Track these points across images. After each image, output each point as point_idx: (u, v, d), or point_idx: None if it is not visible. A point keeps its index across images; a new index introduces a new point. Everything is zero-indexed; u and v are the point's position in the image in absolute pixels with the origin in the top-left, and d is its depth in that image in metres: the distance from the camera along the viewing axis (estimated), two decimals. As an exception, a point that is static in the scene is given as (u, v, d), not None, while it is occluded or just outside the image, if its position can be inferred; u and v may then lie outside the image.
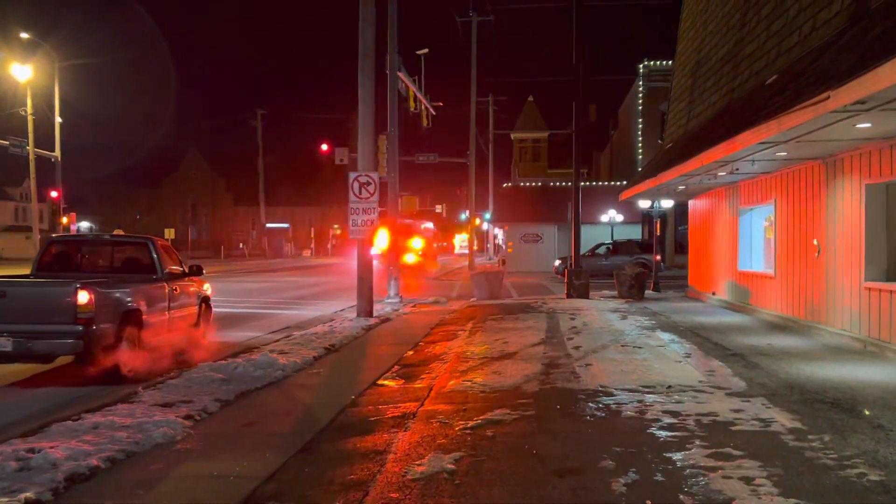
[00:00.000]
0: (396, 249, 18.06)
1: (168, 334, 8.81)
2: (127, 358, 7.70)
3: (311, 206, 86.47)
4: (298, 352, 9.11)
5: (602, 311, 13.95)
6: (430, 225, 50.43)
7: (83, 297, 7.12)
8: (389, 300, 16.91)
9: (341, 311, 15.54)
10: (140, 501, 4.02)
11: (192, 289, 9.80)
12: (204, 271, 10.07)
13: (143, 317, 8.10)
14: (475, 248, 42.38)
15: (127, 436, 5.13)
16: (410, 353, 9.63)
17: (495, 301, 17.04)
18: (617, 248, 28.13)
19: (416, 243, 43.74)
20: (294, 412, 6.12)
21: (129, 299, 7.85)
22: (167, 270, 9.15)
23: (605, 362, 8.12)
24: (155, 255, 8.98)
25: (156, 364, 8.07)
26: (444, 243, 71.08)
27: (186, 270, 9.73)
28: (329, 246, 75.25)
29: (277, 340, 10.43)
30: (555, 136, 56.03)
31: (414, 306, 16.81)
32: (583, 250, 24.56)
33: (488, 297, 17.87)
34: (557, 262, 27.98)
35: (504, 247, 39.61)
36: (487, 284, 18.14)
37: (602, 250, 27.80)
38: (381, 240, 14.01)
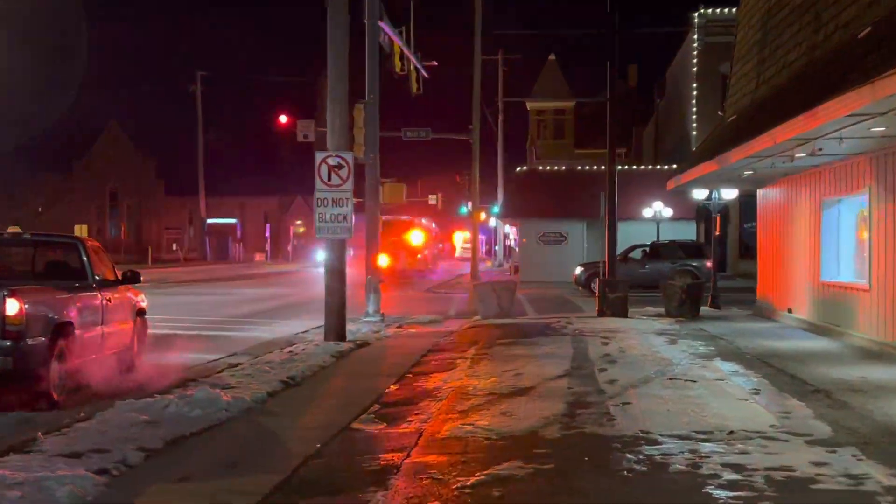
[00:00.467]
0: (379, 253, 18.10)
1: (99, 354, 8.96)
2: (58, 380, 7.87)
3: (266, 196, 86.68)
4: (248, 386, 9.10)
5: (644, 334, 13.97)
6: (427, 222, 51.22)
7: (12, 306, 7.24)
8: (368, 319, 16.97)
9: (305, 332, 15.57)
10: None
11: (126, 300, 9.93)
12: (141, 278, 10.23)
13: (76, 332, 8.27)
14: (480, 250, 42.47)
15: (21, 496, 5.09)
16: (394, 387, 9.63)
17: (505, 320, 17.08)
18: (656, 251, 28.30)
19: (413, 243, 44.11)
20: (241, 464, 6.10)
21: (62, 310, 8.01)
22: (100, 277, 9.27)
23: (647, 400, 8.11)
24: (85, 259, 9.11)
25: (84, 391, 8.25)
26: (442, 244, 71.47)
27: (120, 277, 9.85)
28: (290, 248, 75.49)
29: (221, 371, 10.42)
30: (583, 106, 55.95)
31: (400, 326, 16.87)
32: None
33: (496, 314, 17.92)
34: (578, 270, 28.18)
35: (517, 249, 39.76)
36: (495, 298, 18.19)
37: (637, 254, 27.96)
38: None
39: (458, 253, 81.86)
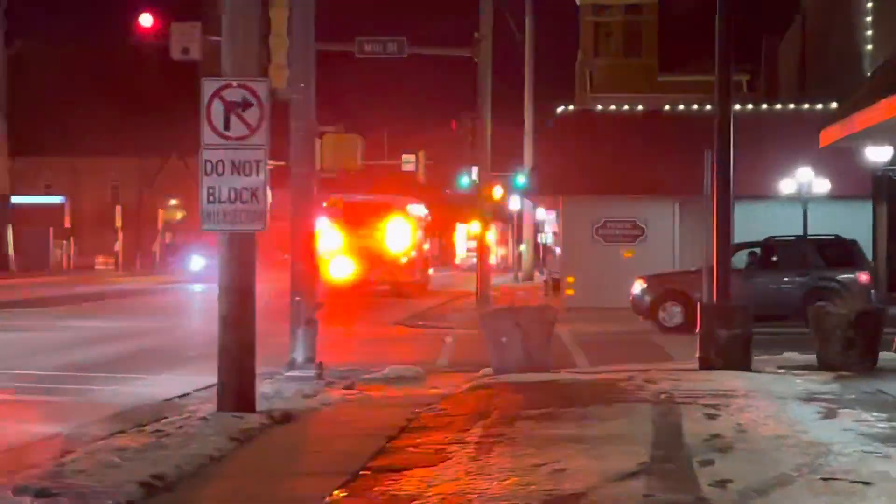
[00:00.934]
0: (314, 255, 18.02)
1: None
2: None
3: (117, 156, 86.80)
4: (82, 494, 9.02)
5: (781, 400, 13.96)
6: (417, 208, 51.06)
7: None
8: (294, 373, 17.01)
9: (184, 395, 15.54)
10: None
11: None
12: None
13: None
14: (494, 254, 42.47)
15: None
16: (340, 495, 9.56)
17: (537, 376, 17.01)
18: (773, 254, 28.95)
19: (393, 242, 44.14)
20: None
21: None
22: None
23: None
24: None
25: None
26: (437, 243, 71.51)
27: None
28: (156, 247, 75.55)
29: (33, 469, 10.31)
30: (673, 3, 56.20)
31: (350, 386, 16.87)
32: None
33: (521, 366, 17.83)
34: (638, 288, 28.76)
35: (556, 251, 39.17)
36: (519, 337, 18.11)
37: (743, 259, 28.48)
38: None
39: (459, 258, 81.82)
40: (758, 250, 28.79)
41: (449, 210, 74.86)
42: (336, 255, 44.80)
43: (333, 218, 45.12)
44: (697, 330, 17.79)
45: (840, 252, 28.33)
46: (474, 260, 46.13)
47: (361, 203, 47.75)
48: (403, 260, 45.51)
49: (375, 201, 48.65)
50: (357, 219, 45.49)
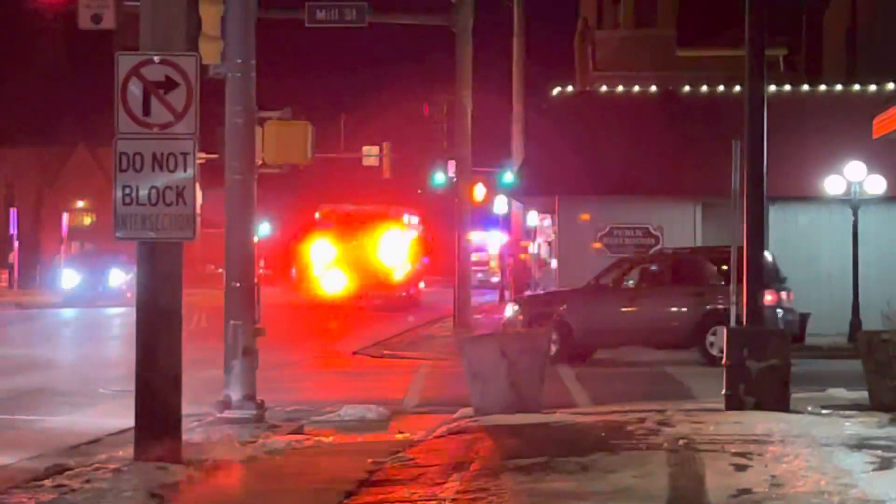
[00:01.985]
0: (255, 271, 18.08)
1: None
2: None
3: (10, 148, 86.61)
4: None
5: (825, 448, 13.97)
6: (409, 218, 55.59)
7: None
8: (230, 414, 17.05)
9: (94, 442, 15.57)
10: None
11: None
12: None
13: None
14: (476, 267, 42.55)
15: None
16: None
17: (528, 418, 17.04)
18: (665, 268, 30.06)
19: (388, 257, 46.37)
20: None
21: None
22: None
23: None
24: None
25: None
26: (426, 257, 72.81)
27: None
28: (60, 256, 75.38)
29: None
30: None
31: (298, 429, 16.97)
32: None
33: (507, 405, 17.88)
34: (510, 311, 30.37)
35: (551, 262, 38.86)
36: (505, 370, 18.15)
37: (635, 271, 30.39)
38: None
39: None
40: (654, 266, 30.05)
41: (430, 214, 74.82)
42: (329, 268, 50.82)
43: (325, 230, 51.43)
44: (725, 361, 17.74)
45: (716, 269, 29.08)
46: (479, 275, 47.34)
47: (354, 213, 52.58)
48: (397, 273, 49.45)
49: (369, 211, 53.07)
50: (350, 230, 50.23)
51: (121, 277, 58.37)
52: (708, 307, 27.83)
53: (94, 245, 72.74)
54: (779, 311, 26.99)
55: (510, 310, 30.28)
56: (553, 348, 25.86)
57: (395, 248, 49.95)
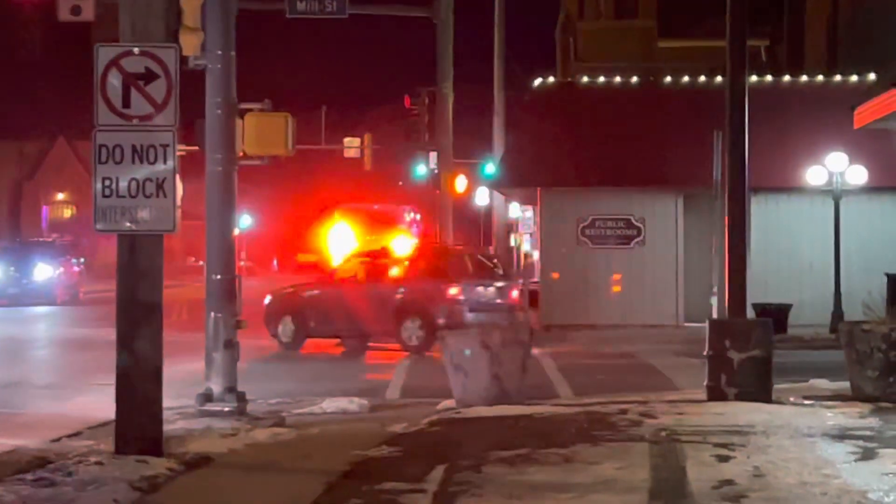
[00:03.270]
0: (234, 262, 18.00)
1: None
2: None
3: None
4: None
5: (807, 438, 14.02)
6: (412, 214, 57.83)
7: None
8: (212, 406, 17.02)
9: (75, 435, 15.55)
10: None
11: None
12: None
13: None
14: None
15: None
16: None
17: (510, 409, 17.04)
18: (384, 263, 32.83)
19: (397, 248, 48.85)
20: None
21: None
22: None
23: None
24: None
25: None
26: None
27: None
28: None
29: None
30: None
31: (279, 421, 16.97)
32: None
33: (490, 396, 17.88)
34: (267, 300, 32.64)
35: (534, 256, 38.88)
36: (487, 363, 18.15)
37: (363, 266, 33.18)
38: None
39: None
40: (373, 262, 32.59)
41: (411, 206, 75.06)
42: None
43: (344, 225, 54.53)
44: (707, 351, 17.78)
45: (437, 264, 31.64)
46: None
47: (366, 211, 55.83)
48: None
49: (381, 211, 56.27)
50: (365, 228, 52.61)
51: (47, 272, 52.88)
52: (404, 301, 30.46)
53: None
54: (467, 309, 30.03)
55: (267, 299, 32.19)
56: (292, 336, 30.18)
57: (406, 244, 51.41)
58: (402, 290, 30.97)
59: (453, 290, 30.01)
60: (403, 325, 29.89)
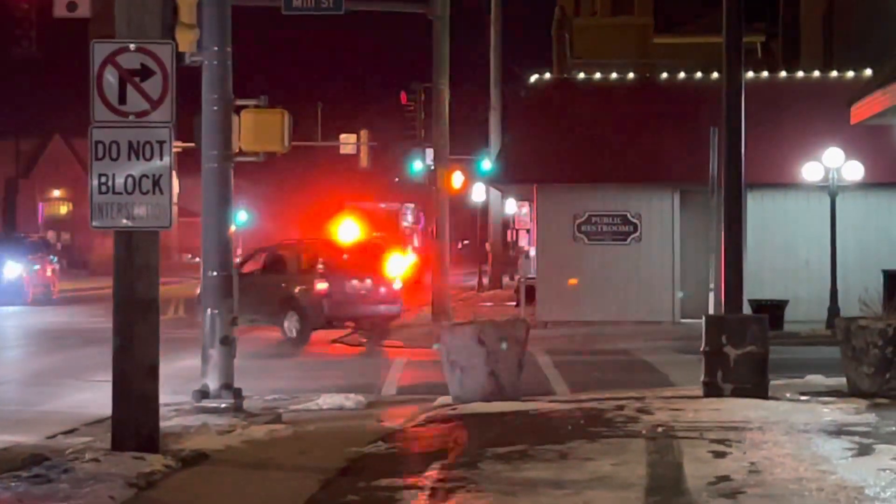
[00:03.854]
0: (234, 259, 18.02)
1: None
2: None
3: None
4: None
5: (803, 434, 14.03)
6: (415, 210, 57.88)
7: None
8: (208, 403, 17.00)
9: (70, 432, 15.51)
10: None
11: None
12: None
13: None
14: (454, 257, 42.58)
15: None
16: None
17: (507, 406, 17.04)
18: (274, 257, 34.67)
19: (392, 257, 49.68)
20: None
21: None
22: None
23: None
24: None
25: None
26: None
27: None
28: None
29: None
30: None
31: (276, 418, 16.97)
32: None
33: (485, 392, 17.87)
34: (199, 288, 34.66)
35: (529, 251, 38.98)
36: (483, 359, 18.12)
37: (262, 259, 35.25)
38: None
39: None
40: (268, 255, 34.34)
41: (407, 202, 75.05)
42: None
43: (353, 221, 54.80)
44: (703, 347, 17.76)
45: (315, 259, 33.18)
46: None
47: (373, 210, 57.49)
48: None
49: (387, 208, 58.66)
50: (372, 225, 53.59)
51: (17, 270, 48.84)
52: (286, 293, 31.83)
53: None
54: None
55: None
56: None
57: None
58: (283, 283, 32.42)
59: (321, 286, 31.31)
60: (286, 316, 31.26)
